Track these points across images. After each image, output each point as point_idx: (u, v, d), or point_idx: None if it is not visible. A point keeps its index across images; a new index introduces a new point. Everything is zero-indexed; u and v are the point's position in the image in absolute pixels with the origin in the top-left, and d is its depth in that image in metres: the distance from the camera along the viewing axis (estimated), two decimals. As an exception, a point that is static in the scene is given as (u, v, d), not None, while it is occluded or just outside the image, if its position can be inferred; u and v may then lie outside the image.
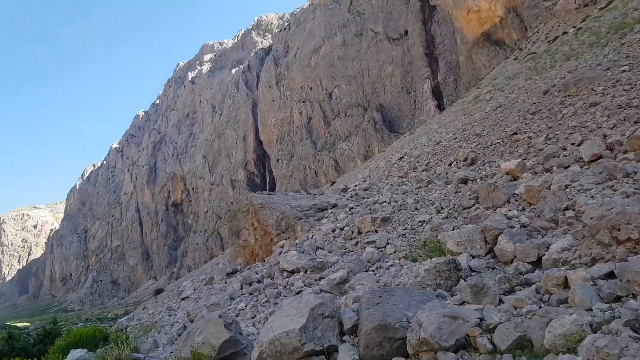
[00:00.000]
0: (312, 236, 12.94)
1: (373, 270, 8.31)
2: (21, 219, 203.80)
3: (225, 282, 15.88)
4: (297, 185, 79.28)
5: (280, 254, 12.91)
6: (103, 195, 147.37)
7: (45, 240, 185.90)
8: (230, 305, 10.13)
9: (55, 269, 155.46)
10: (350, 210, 14.14)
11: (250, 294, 10.53)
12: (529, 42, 42.62)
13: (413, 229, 10.32)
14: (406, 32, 67.02)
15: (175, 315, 13.74)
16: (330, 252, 11.02)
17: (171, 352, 8.04)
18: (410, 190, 13.98)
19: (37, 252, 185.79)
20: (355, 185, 17.91)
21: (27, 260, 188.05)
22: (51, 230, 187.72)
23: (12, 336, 19.02)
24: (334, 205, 15.25)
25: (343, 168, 70.64)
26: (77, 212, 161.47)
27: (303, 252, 11.07)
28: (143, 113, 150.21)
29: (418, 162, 19.40)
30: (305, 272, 10.15)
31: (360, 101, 73.36)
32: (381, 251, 9.28)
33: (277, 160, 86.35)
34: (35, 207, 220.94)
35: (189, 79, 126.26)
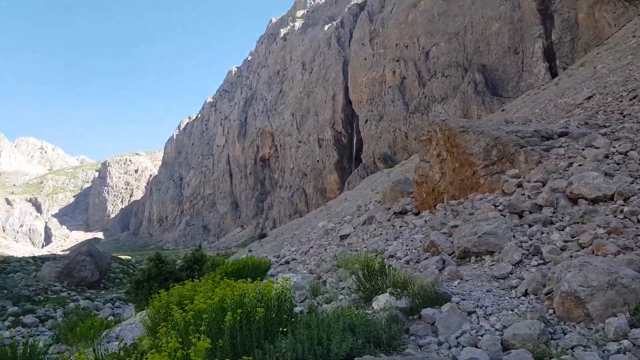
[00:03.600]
0: (572, 164, 10.69)
1: None
2: (124, 163, 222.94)
3: (404, 222, 14.08)
4: (385, 147, 78.09)
5: (518, 185, 10.94)
6: (197, 146, 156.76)
7: (145, 184, 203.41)
8: (513, 236, 8.30)
9: (153, 211, 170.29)
10: (606, 135, 12.15)
11: (537, 223, 8.58)
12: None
13: None
14: (519, -15, 61.04)
15: (355, 250, 12.59)
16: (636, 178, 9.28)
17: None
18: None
19: (138, 195, 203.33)
20: (568, 120, 15.54)
21: (128, 201, 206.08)
22: (150, 175, 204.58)
23: (162, 260, 18.18)
24: (564, 134, 12.81)
25: (436, 131, 67.80)
26: (173, 161, 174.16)
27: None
28: (235, 69, 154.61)
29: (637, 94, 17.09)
30: (626, 200, 8.35)
31: (460, 61, 68.96)
32: None
33: (366, 121, 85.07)
34: (136, 154, 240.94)
35: (281, 35, 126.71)
